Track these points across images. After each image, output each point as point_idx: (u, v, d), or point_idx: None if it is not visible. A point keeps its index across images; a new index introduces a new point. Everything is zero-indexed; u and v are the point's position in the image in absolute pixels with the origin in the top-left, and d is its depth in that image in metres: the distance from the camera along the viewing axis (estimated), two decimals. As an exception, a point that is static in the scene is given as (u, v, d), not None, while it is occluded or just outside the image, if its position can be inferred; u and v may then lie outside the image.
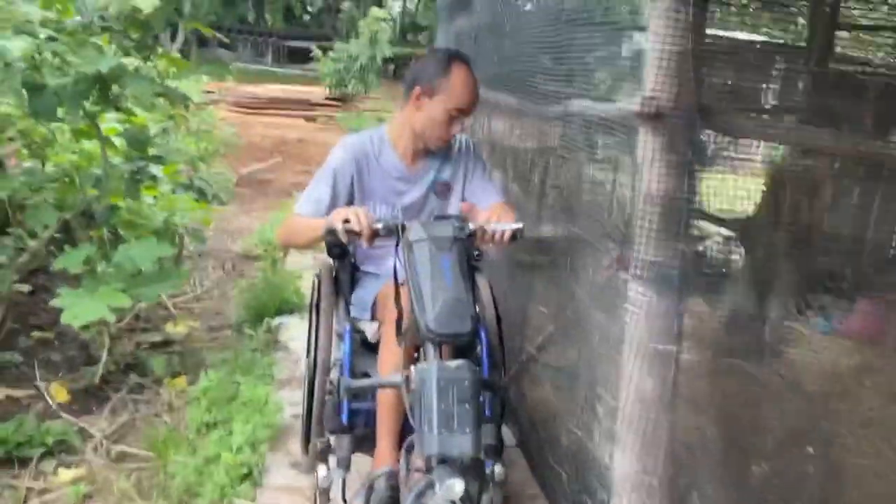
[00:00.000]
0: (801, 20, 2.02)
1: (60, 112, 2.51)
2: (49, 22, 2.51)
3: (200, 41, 17.79)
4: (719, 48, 1.55)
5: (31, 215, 2.71)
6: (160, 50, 3.14)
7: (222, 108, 10.85)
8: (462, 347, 1.68)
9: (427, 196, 2.07)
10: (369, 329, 2.00)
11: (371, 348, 1.96)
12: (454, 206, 2.08)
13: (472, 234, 1.74)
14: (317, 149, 8.65)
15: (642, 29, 1.50)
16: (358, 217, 1.73)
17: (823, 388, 1.82)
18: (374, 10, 14.04)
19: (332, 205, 1.96)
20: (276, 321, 3.32)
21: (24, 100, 2.35)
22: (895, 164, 1.60)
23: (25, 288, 3.37)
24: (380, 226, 1.73)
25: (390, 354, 1.79)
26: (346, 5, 21.68)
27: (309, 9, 26.21)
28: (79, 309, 2.36)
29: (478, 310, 1.88)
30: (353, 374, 1.88)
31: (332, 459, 1.73)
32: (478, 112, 3.23)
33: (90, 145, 3.18)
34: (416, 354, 1.72)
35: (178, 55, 4.05)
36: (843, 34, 2.05)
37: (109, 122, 3.39)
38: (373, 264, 2.13)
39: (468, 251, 1.72)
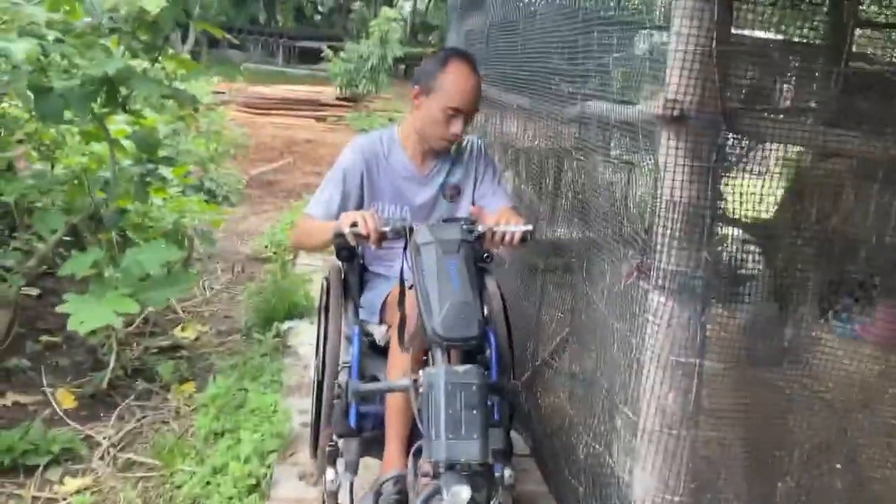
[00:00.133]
0: (821, 17, 1.95)
1: (68, 114, 2.48)
2: (56, 24, 2.48)
3: (211, 42, 17.83)
4: (745, 48, 1.48)
5: (38, 219, 2.69)
6: (171, 51, 3.12)
7: (232, 109, 10.84)
8: (470, 351, 1.66)
9: (437, 198, 2.05)
10: (378, 332, 1.98)
11: (380, 351, 1.94)
12: (464, 210, 2.05)
13: (480, 237, 1.72)
14: (327, 149, 8.63)
15: (664, 28, 1.44)
16: (365, 220, 1.71)
17: (846, 397, 1.76)
18: (385, 10, 13.99)
19: (343, 205, 1.96)
20: (286, 325, 3.29)
21: (31, 102, 2.31)
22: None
23: (34, 291, 3.36)
24: (387, 229, 1.72)
25: (399, 358, 1.77)
26: (356, 5, 21.66)
27: (320, 9, 26.24)
28: (85, 315, 2.32)
29: (486, 312, 1.88)
30: (362, 378, 1.86)
31: (341, 463, 1.72)
32: (490, 113, 3.19)
33: (100, 148, 3.16)
34: (424, 358, 1.70)
35: (187, 56, 4.01)
36: (862, 32, 1.98)
37: (119, 124, 3.38)
38: (382, 266, 2.11)
39: (477, 253, 1.71)
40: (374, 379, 1.89)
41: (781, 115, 1.68)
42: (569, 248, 2.19)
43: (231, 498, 2.03)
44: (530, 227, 1.77)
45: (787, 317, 1.86)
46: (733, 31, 1.45)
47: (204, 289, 4.00)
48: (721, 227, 1.47)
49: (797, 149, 1.78)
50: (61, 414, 2.53)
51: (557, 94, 2.15)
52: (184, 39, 13.75)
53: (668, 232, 1.44)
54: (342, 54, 13.13)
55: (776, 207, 1.77)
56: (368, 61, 12.86)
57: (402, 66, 17.45)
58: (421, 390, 1.45)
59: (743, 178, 1.50)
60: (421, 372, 1.47)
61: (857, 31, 1.94)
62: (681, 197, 1.43)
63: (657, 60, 1.48)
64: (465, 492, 1.33)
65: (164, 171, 3.42)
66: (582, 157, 2.04)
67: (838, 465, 1.68)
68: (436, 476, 1.40)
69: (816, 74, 1.70)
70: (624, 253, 1.66)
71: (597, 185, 1.90)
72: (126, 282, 2.52)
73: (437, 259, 1.58)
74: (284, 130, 10.18)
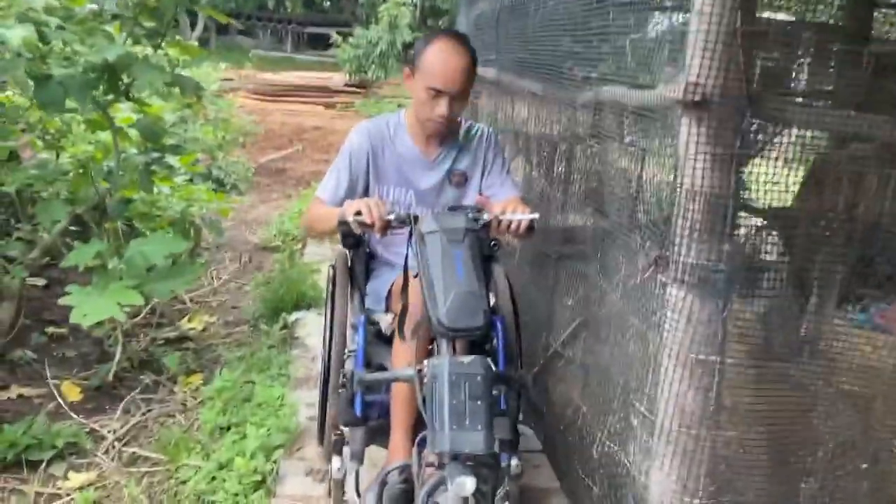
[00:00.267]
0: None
1: (69, 103, 2.43)
2: (56, 10, 2.42)
3: (220, 29, 17.75)
4: (771, 27, 1.40)
5: (41, 209, 2.64)
6: (178, 38, 3.05)
7: (241, 96, 10.79)
8: (476, 341, 1.64)
9: (443, 184, 2.02)
10: (384, 321, 1.96)
11: (387, 340, 1.92)
12: (470, 197, 2.03)
13: (486, 225, 1.70)
14: (336, 137, 8.55)
15: (685, 8, 1.36)
16: (370, 208, 1.68)
17: (870, 391, 1.69)
18: (394, -5, 13.85)
19: (351, 187, 1.96)
20: (293, 316, 3.24)
21: (30, 90, 2.26)
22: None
23: (40, 282, 3.33)
24: (392, 217, 1.70)
25: (403, 347, 1.75)
26: (365, -10, 21.46)
27: (328, -6, 26.03)
28: (88, 307, 2.28)
29: (494, 301, 1.87)
30: (368, 366, 1.85)
31: (346, 452, 1.71)
32: (501, 99, 3.11)
33: (106, 136, 3.11)
34: (431, 347, 1.68)
35: (194, 43, 3.94)
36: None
37: (125, 112, 3.32)
38: (388, 254, 2.09)
39: (483, 242, 1.68)
40: (381, 368, 1.88)
41: (808, 100, 1.60)
42: (582, 238, 2.12)
43: (236, 494, 1.99)
44: (537, 216, 1.73)
45: (809, 308, 1.79)
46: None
47: (212, 278, 3.97)
48: (744, 218, 1.39)
49: (823, 134, 1.69)
50: (66, 408, 2.49)
51: (570, 78, 2.07)
52: (192, 26, 13.69)
53: (689, 223, 1.37)
54: (351, 40, 13.02)
55: (799, 195, 1.70)
56: (377, 47, 12.75)
57: (412, 52, 17.29)
58: (425, 380, 1.44)
59: (768, 166, 1.42)
60: (425, 362, 1.46)
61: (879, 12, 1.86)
62: (702, 186, 1.35)
63: (678, 41, 1.40)
64: (469, 483, 1.32)
65: (171, 159, 3.37)
66: (596, 144, 1.97)
67: (864, 466, 1.62)
68: (441, 466, 1.38)
69: (844, 57, 1.61)
70: (641, 244, 1.59)
71: (612, 173, 1.83)
72: (130, 273, 2.47)
73: (442, 248, 1.56)
74: (293, 117, 10.12)
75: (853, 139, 1.69)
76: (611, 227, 1.80)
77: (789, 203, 1.55)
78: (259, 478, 2.05)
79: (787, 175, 1.52)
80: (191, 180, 4.25)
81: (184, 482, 2.09)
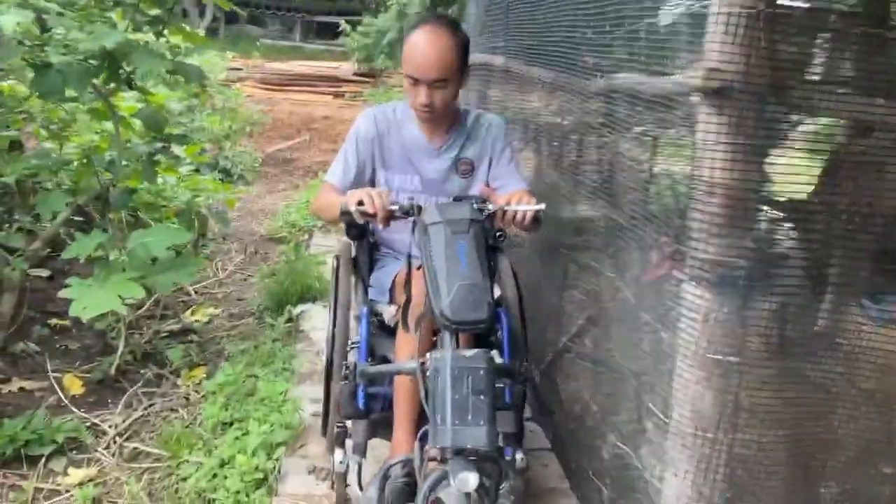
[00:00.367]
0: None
1: (70, 92, 2.38)
2: (55, -4, 2.36)
3: (229, 18, 17.68)
4: (796, 9, 1.32)
5: (41, 200, 2.60)
6: (185, 27, 3.00)
7: (249, 85, 10.74)
8: (480, 334, 1.62)
9: (448, 172, 1.99)
10: (387, 312, 1.94)
11: (390, 332, 1.90)
12: (477, 188, 1.99)
13: (491, 216, 1.67)
14: (345, 126, 8.49)
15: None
16: (371, 198, 1.66)
17: (892, 390, 1.62)
18: (403, -17, 13.71)
19: (360, 172, 1.96)
20: (298, 309, 3.19)
21: (25, 78, 2.21)
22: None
23: (44, 273, 3.30)
24: (395, 207, 1.68)
25: (406, 339, 1.73)
26: (374, -21, 21.29)
27: (338, -17, 25.85)
28: (88, 300, 2.23)
29: (499, 293, 1.84)
30: (372, 357, 1.83)
31: (349, 444, 1.70)
32: (509, 87, 3.03)
33: (111, 126, 3.06)
34: (435, 339, 1.65)
35: (199, 32, 3.88)
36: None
37: (130, 101, 3.27)
38: (393, 245, 2.06)
39: (488, 233, 1.65)
40: (385, 360, 1.86)
41: (833, 87, 1.52)
42: (594, 231, 2.05)
43: (238, 492, 1.94)
44: (543, 206, 1.69)
45: (830, 304, 1.71)
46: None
47: (217, 270, 3.92)
48: (766, 213, 1.32)
49: (848, 123, 1.61)
50: (66, 402, 2.46)
51: (582, 65, 1.99)
52: (201, 15, 13.64)
53: (707, 217, 1.31)
54: (360, 28, 12.91)
55: (821, 186, 1.62)
56: (386, 35, 12.63)
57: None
58: (428, 374, 1.42)
59: (792, 157, 1.34)
60: (428, 355, 1.45)
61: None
62: (721, 178, 1.28)
63: (696, 25, 1.32)
64: (472, 478, 1.29)
65: (177, 149, 3.33)
66: (608, 134, 1.90)
67: (888, 470, 1.55)
68: (443, 461, 1.35)
69: (874, 42, 1.53)
70: (655, 239, 1.52)
71: (625, 163, 1.76)
72: (132, 265, 2.43)
73: (446, 239, 1.53)
74: (302, 107, 10.06)
75: (880, 129, 1.61)
76: (623, 220, 1.73)
77: (813, 195, 1.48)
78: (261, 475, 2.00)
79: (810, 166, 1.44)
80: (197, 170, 4.19)
81: (185, 479, 2.05)
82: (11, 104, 2.72)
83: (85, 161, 2.91)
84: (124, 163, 2.80)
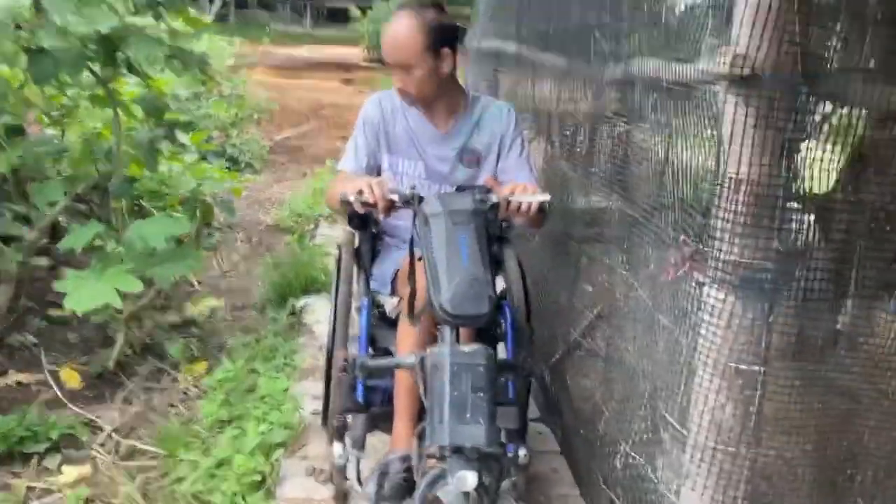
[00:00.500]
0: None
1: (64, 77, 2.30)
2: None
3: (239, 3, 17.58)
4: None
5: (37, 189, 2.53)
6: (191, 11, 2.91)
7: (259, 72, 10.65)
8: (482, 328, 1.59)
9: (454, 160, 1.93)
10: (389, 304, 1.89)
11: (392, 323, 1.84)
12: (482, 179, 1.92)
13: (494, 207, 1.61)
14: (354, 114, 8.31)
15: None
16: (371, 188, 1.61)
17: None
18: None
19: (372, 157, 1.95)
20: (301, 302, 3.12)
21: (15, 62, 2.13)
22: None
23: (43, 262, 3.24)
24: (395, 197, 1.64)
25: (408, 332, 1.68)
26: (385, -36, 21.07)
27: (349, -32, 25.63)
28: (83, 293, 2.17)
29: (504, 285, 1.79)
30: (374, 350, 1.80)
31: (349, 438, 1.68)
32: (521, 74, 2.93)
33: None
34: (436, 331, 1.58)
35: (208, 17, 3.80)
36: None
37: (133, 87, 3.20)
38: (397, 232, 2.00)
39: (491, 224, 1.60)
40: (386, 351, 1.82)
41: (869, 76, 1.41)
42: (607, 225, 1.96)
43: (234, 495, 1.88)
44: (548, 197, 1.63)
45: (857, 308, 1.61)
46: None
47: (222, 260, 3.86)
48: (796, 211, 1.22)
49: (880, 115, 1.50)
50: (62, 398, 2.40)
51: (597, 51, 1.89)
52: (211, 0, 13.54)
53: (731, 215, 1.21)
54: (370, 13, 12.79)
55: (854, 182, 1.52)
56: (394, 21, 12.50)
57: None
58: (427, 369, 1.40)
59: (824, 151, 1.24)
60: (428, 350, 1.43)
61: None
62: (748, 173, 1.19)
63: (722, 8, 1.22)
64: (470, 477, 1.25)
65: (182, 136, 3.25)
66: (624, 124, 1.79)
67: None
68: (442, 458, 1.31)
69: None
70: (674, 237, 1.42)
71: (642, 156, 1.66)
72: (130, 257, 2.36)
73: (447, 231, 1.50)
74: (311, 93, 9.96)
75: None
76: (640, 215, 1.63)
77: (846, 192, 1.37)
78: (258, 477, 1.93)
79: (839, 161, 1.34)
80: (204, 158, 4.12)
81: (180, 480, 1.98)
82: (3, 89, 2.64)
83: (83, 149, 2.84)
84: (124, 148, 2.72)
